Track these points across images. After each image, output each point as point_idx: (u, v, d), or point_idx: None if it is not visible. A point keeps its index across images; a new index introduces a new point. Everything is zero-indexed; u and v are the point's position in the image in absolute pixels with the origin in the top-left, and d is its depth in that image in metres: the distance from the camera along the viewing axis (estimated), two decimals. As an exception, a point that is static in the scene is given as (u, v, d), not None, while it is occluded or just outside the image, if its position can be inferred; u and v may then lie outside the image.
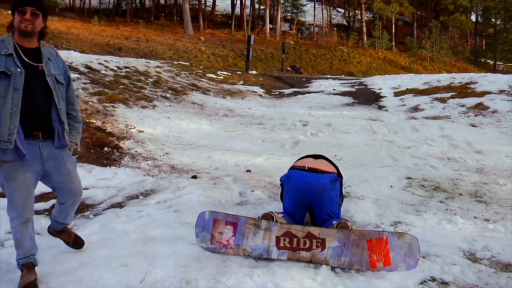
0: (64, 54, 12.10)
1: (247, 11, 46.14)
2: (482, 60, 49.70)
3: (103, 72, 11.72)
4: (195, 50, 31.30)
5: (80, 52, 16.49)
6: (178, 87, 13.03)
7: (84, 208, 4.78)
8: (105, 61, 13.01)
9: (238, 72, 20.63)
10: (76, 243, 3.57)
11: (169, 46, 30.75)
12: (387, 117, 10.62)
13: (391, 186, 5.45)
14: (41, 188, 4.99)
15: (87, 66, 11.57)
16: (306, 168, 4.06)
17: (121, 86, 10.96)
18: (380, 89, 15.45)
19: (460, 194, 5.18)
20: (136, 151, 6.95)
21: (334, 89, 15.93)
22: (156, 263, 3.34)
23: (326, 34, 42.36)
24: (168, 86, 12.74)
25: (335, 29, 47.27)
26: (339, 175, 4.17)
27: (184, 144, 7.70)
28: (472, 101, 11.01)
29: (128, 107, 9.44)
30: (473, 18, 54.17)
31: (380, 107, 12.16)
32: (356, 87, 16.82)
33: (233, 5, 46.31)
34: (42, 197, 4.90)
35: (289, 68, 29.39)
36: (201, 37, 35.27)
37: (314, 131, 8.84)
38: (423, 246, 3.54)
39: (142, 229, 3.99)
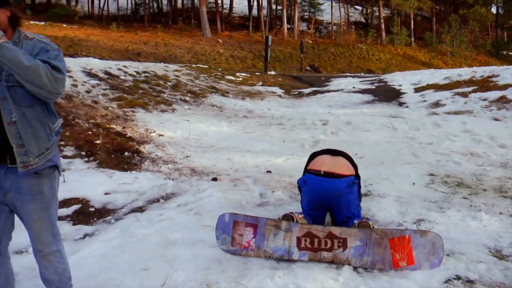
0: (83, 61, 12.27)
1: (264, 12, 46.14)
2: (504, 52, 48.80)
3: (122, 77, 11.80)
4: (214, 53, 31.40)
5: (100, 58, 16.64)
6: (197, 90, 13.06)
7: (105, 213, 4.82)
8: (124, 66, 13.11)
9: (257, 73, 20.63)
10: None
11: (188, 50, 30.91)
12: (408, 113, 10.49)
13: (413, 183, 5.37)
14: (63, 194, 5.10)
15: (106, 72, 11.67)
16: (322, 172, 3.94)
17: (140, 91, 11.03)
18: (400, 85, 15.27)
19: (484, 190, 5.09)
20: (156, 155, 6.97)
21: (353, 87, 15.81)
22: (177, 266, 3.34)
23: (344, 32, 42.14)
24: (187, 89, 12.78)
25: (353, 26, 47.05)
26: (356, 176, 4.08)
27: (204, 147, 7.71)
28: (494, 94, 10.81)
29: (148, 111, 9.50)
30: (493, 10, 53.31)
31: (401, 104, 12.02)
32: (376, 84, 16.67)
33: (250, 6, 46.38)
34: (65, 203, 4.95)
35: (308, 68, 29.29)
36: (219, 40, 35.38)
37: (334, 130, 8.77)
38: (447, 244, 3.48)
39: (162, 232, 4.00)
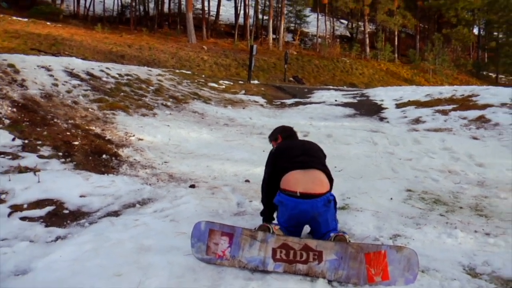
0: (66, 61, 12.14)
1: (251, 21, 46.24)
2: (484, 73, 49.72)
3: (104, 79, 11.70)
4: (198, 59, 31.35)
5: (83, 59, 16.49)
6: (180, 95, 13.01)
7: (80, 215, 4.72)
8: (107, 68, 13.01)
9: (240, 82, 20.63)
10: None
11: (172, 55, 30.81)
12: (389, 128, 10.57)
13: (391, 199, 5.39)
14: (37, 194, 5.00)
15: (88, 73, 11.56)
16: (298, 194, 3.79)
17: (122, 94, 10.94)
18: (382, 100, 15.41)
19: (461, 208, 5.12)
20: (134, 159, 6.90)
21: (336, 100, 15.90)
22: (150, 273, 3.28)
23: (329, 45, 42.40)
24: (169, 94, 12.72)
25: (338, 40, 47.39)
26: (331, 187, 3.98)
27: (184, 153, 7.65)
28: (474, 113, 10.97)
29: (128, 114, 9.41)
30: (475, 31, 54.28)
31: (382, 119, 12.12)
32: (358, 98, 16.78)
33: (236, 15, 46.53)
34: (38, 204, 4.84)
35: (291, 79, 29.41)
36: (204, 46, 35.34)
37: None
38: (422, 260, 3.48)
39: (137, 238, 3.93)
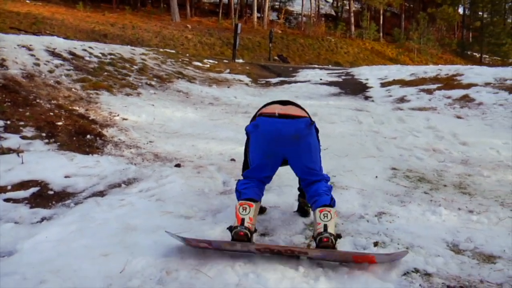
0: (47, 40, 11.94)
1: (235, -1, 45.86)
2: (469, 53, 49.99)
3: (87, 58, 11.54)
4: (182, 38, 31.08)
5: (64, 38, 16.24)
6: (164, 74, 12.90)
7: (65, 196, 4.69)
8: (90, 47, 12.81)
9: (225, 61, 20.51)
10: None
11: (156, 34, 30.51)
12: (373, 107, 10.61)
13: (376, 177, 5.43)
14: (21, 175, 4.95)
15: (70, 53, 11.38)
16: (277, 114, 3.52)
17: (105, 73, 10.81)
18: (367, 79, 15.44)
19: (445, 186, 5.18)
20: (119, 139, 6.84)
21: (321, 79, 15.89)
22: (137, 253, 3.27)
23: (314, 24, 42.30)
24: (153, 73, 12.60)
25: (323, 19, 47.24)
26: (311, 120, 3.68)
27: (168, 132, 7.61)
28: (458, 93, 11.04)
29: (112, 94, 9.31)
30: (460, 10, 54.41)
31: (367, 98, 12.15)
32: (343, 77, 16.80)
33: (220, -7, 46.04)
34: (22, 185, 4.79)
35: (276, 58, 29.32)
36: (188, 25, 35.01)
37: (300, 121, 8.77)
38: (407, 238, 3.54)
39: (123, 218, 3.92)
